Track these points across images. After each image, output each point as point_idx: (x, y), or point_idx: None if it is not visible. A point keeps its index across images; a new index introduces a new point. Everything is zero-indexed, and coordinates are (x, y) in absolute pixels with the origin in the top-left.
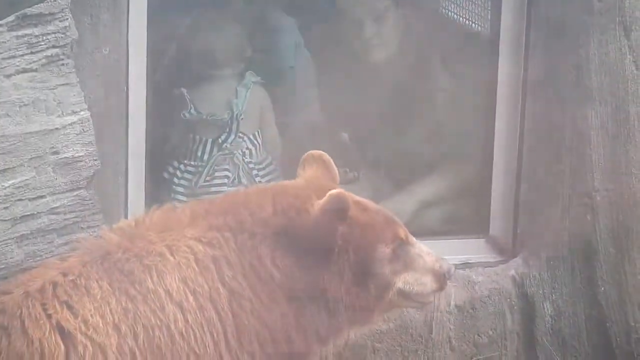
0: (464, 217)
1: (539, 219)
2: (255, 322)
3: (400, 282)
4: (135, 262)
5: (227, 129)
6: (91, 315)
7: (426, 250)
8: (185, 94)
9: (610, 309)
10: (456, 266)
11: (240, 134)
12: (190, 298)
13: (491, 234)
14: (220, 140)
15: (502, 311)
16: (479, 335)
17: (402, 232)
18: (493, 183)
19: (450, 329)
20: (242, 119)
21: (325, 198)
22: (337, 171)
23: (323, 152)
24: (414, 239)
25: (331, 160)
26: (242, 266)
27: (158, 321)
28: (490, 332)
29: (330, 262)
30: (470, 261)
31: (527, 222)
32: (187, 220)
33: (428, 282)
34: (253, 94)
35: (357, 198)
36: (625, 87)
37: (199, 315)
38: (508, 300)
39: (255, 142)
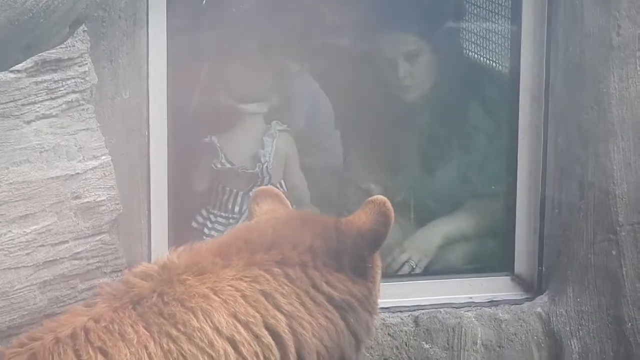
0: (489, 255)
1: (564, 256)
2: (317, 342)
3: None
4: (176, 305)
5: (259, 182)
6: None
7: None
8: (216, 142)
9: (638, 345)
10: (482, 304)
11: (269, 184)
12: (242, 330)
13: (516, 271)
14: (251, 194)
15: (529, 349)
16: None
17: None
18: (517, 220)
19: None
20: (271, 169)
21: (370, 205)
22: (288, 203)
23: (272, 187)
24: None
25: (282, 194)
26: (297, 295)
27: (207, 357)
28: None
29: (374, 264)
30: (496, 299)
31: (552, 259)
32: (220, 261)
33: None
34: (278, 142)
35: None
36: None
37: (253, 345)
38: (535, 337)
39: (281, 189)
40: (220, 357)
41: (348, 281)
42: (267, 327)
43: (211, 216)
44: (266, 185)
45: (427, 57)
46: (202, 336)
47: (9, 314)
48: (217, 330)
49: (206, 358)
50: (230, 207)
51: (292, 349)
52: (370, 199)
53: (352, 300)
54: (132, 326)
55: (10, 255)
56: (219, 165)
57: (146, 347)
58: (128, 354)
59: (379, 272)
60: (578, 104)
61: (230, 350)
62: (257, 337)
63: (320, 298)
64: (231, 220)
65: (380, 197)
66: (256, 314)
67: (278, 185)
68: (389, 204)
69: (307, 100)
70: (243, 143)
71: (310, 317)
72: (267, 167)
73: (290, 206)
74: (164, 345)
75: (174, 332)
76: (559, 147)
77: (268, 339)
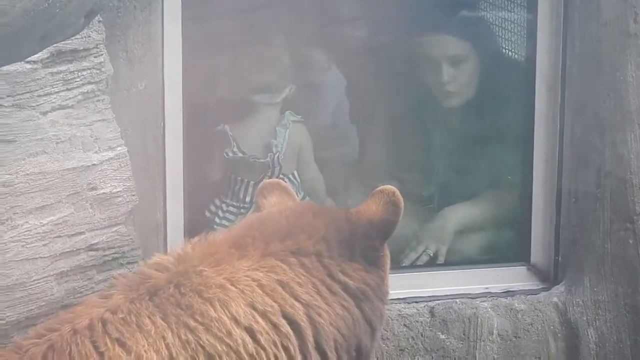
0: (505, 245)
1: (580, 245)
2: (334, 330)
3: None
4: (193, 296)
5: (270, 172)
6: (145, 351)
7: None
8: (228, 131)
9: None
10: (498, 294)
11: (281, 175)
12: (260, 320)
13: (533, 261)
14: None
15: (545, 339)
16: None
17: None
18: (533, 210)
19: (494, 358)
20: (282, 160)
21: (379, 195)
22: (296, 196)
23: (279, 180)
24: None
25: (289, 187)
26: (313, 284)
27: (225, 347)
28: None
29: (385, 253)
30: (512, 289)
31: (569, 249)
32: (235, 252)
33: None
34: (292, 133)
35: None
36: None
37: (271, 334)
38: (551, 327)
39: (295, 181)
40: (238, 346)
41: (362, 270)
42: (285, 316)
43: (223, 205)
44: (277, 175)
45: (473, 63)
46: (220, 326)
47: (26, 304)
48: (235, 320)
49: (224, 348)
50: (241, 196)
51: (310, 338)
52: (379, 188)
53: (366, 289)
54: (149, 317)
55: (27, 246)
56: (231, 154)
57: (164, 338)
58: (146, 345)
59: (389, 261)
60: (594, 92)
61: (248, 339)
62: (275, 326)
63: (336, 287)
64: (242, 210)
65: (389, 186)
66: (274, 304)
67: (291, 177)
68: (398, 193)
69: (332, 94)
70: (256, 133)
71: (327, 306)
72: (278, 157)
73: (296, 199)
74: (182, 335)
75: (192, 323)
76: (575, 135)
77: (286, 327)
